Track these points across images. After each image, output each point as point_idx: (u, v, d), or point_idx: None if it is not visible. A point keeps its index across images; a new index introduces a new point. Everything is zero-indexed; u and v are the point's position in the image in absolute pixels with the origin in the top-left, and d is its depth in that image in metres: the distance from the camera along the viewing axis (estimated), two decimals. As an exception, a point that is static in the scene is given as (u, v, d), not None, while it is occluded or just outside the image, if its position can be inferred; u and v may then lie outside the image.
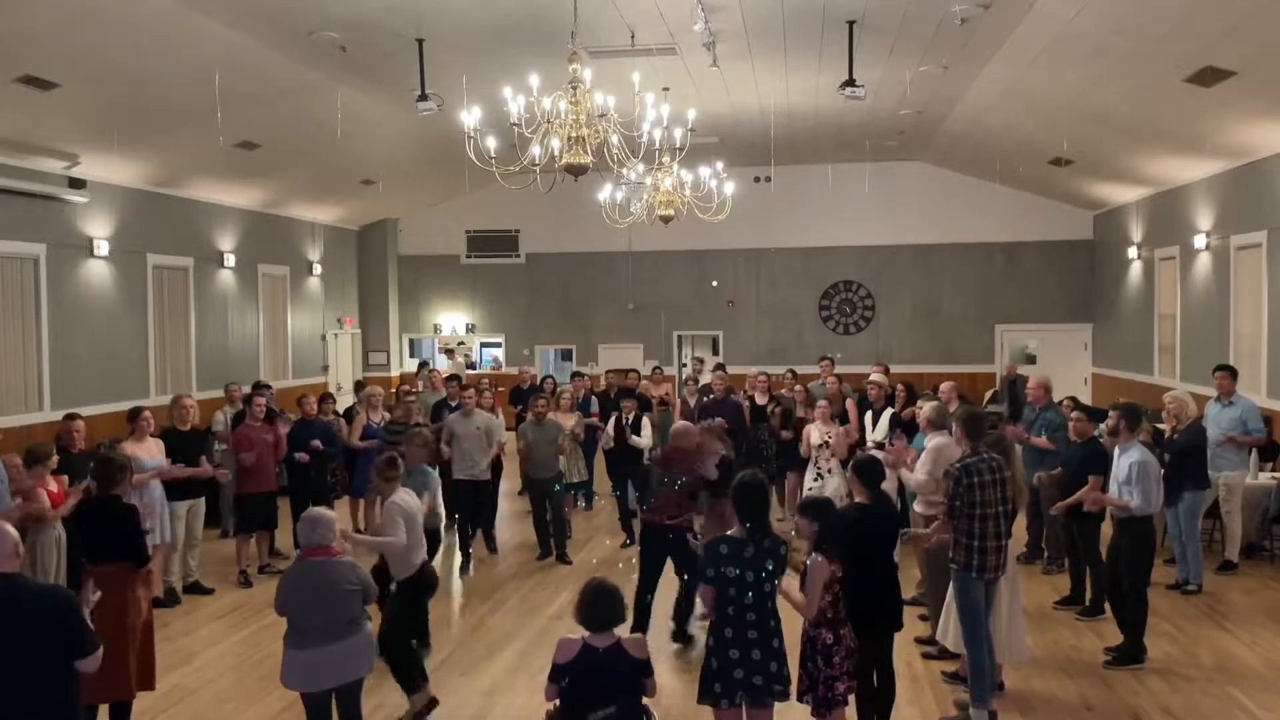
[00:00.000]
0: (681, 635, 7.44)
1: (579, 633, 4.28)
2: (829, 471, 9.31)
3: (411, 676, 6.08)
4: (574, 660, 4.19)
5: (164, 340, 13.32)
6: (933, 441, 7.17)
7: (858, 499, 5.65)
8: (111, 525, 5.67)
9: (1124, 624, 6.95)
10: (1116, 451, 6.99)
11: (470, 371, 17.92)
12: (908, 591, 7.68)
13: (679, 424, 8.23)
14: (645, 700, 4.36)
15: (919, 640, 7.18)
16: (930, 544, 6.48)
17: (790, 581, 4.97)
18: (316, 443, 9.69)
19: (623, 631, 4.32)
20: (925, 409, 7.74)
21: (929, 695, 6.40)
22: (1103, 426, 7.92)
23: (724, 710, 4.69)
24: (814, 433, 9.55)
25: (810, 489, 9.23)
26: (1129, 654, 6.82)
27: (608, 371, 14.26)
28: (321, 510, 5.29)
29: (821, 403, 9.82)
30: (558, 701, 4.28)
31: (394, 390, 13.33)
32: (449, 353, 18.94)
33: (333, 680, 5.03)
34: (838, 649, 4.97)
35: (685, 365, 17.85)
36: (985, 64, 10.72)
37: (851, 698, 5.19)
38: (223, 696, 6.58)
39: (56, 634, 3.94)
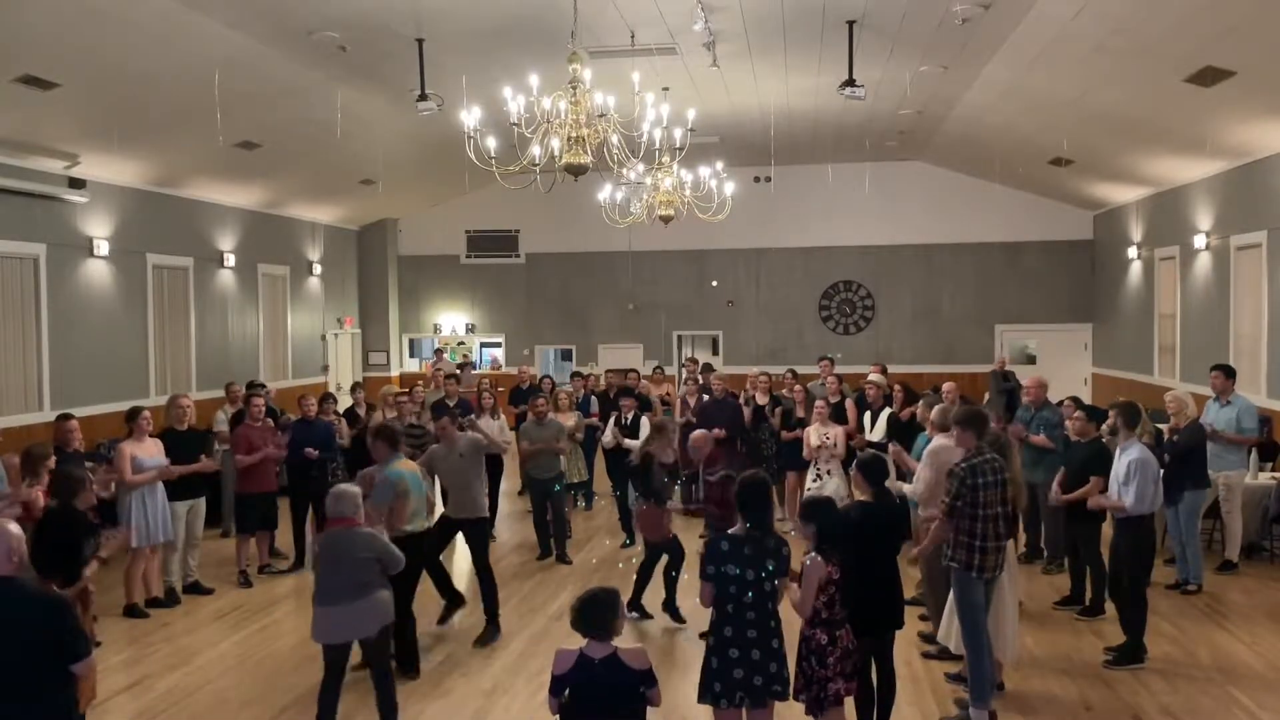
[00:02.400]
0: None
1: (576, 641, 4.25)
2: (828, 473, 9.31)
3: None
4: (571, 671, 4.13)
5: (164, 340, 13.32)
6: (933, 444, 7.12)
7: (862, 496, 5.66)
8: (57, 537, 5.56)
9: (1125, 623, 6.96)
10: (1118, 451, 7.00)
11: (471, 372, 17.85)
12: (908, 591, 7.68)
13: (696, 434, 8.36)
14: (649, 709, 4.30)
15: (923, 635, 7.18)
16: (927, 551, 6.50)
17: (786, 583, 4.96)
18: (311, 451, 9.60)
19: (621, 642, 4.27)
20: (935, 411, 7.67)
21: (929, 695, 6.40)
22: (1105, 426, 7.92)
23: (724, 710, 4.68)
24: (813, 434, 9.54)
25: (809, 489, 9.23)
26: (1130, 654, 6.82)
27: (607, 371, 14.25)
28: (347, 486, 5.87)
29: (820, 403, 9.81)
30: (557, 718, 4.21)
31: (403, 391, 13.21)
32: (438, 353, 18.78)
33: (347, 635, 5.64)
34: (832, 650, 4.96)
35: (684, 367, 17.82)
36: (985, 64, 10.72)
37: (850, 698, 5.19)
38: (222, 696, 6.58)
39: (53, 638, 3.93)
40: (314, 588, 5.73)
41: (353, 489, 5.83)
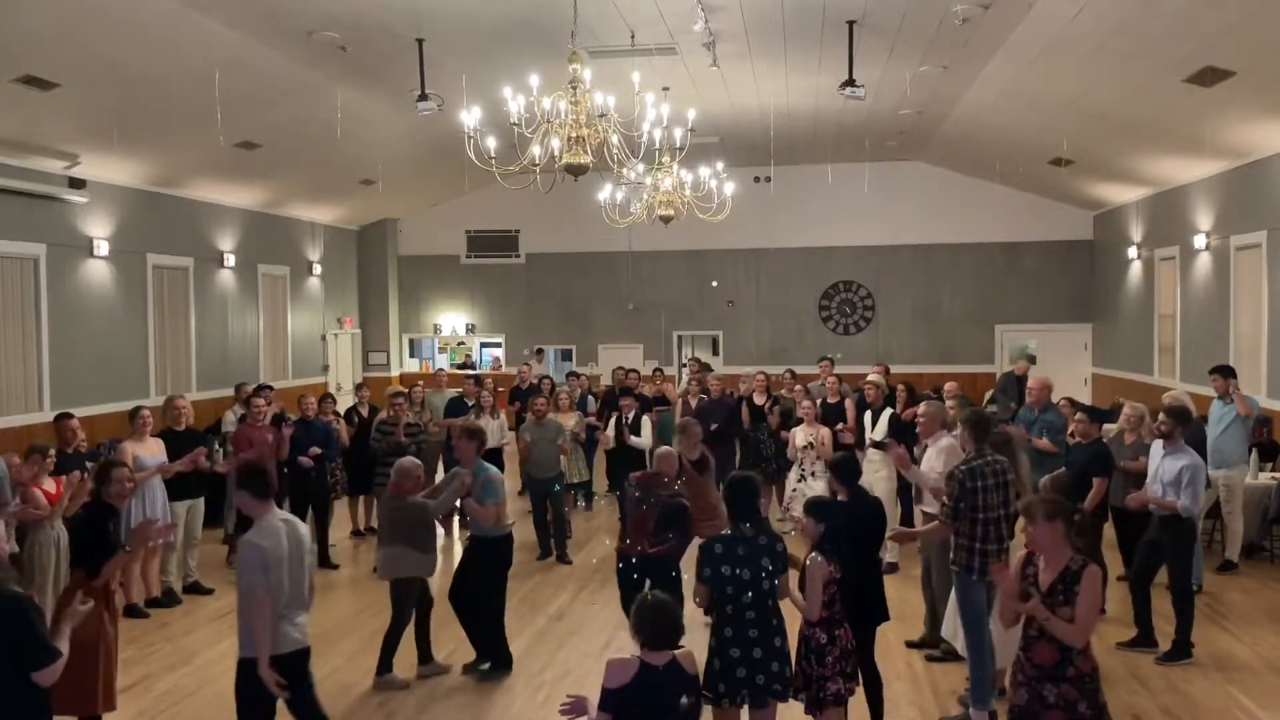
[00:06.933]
0: None
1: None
2: (813, 474, 9.22)
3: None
4: (632, 682, 3.95)
5: (164, 340, 13.31)
6: (942, 442, 6.96)
7: (840, 496, 5.70)
8: (86, 531, 5.61)
9: (1138, 617, 7.12)
10: (1160, 451, 7.08)
11: (472, 372, 17.82)
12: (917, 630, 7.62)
13: (682, 419, 8.17)
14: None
15: (910, 644, 7.18)
16: (913, 540, 6.52)
17: (786, 580, 4.96)
18: (314, 451, 9.61)
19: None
20: (923, 409, 7.43)
21: (929, 695, 6.40)
22: (1110, 427, 7.93)
23: (725, 710, 4.68)
24: (799, 434, 9.50)
25: (794, 489, 9.18)
26: (1179, 649, 6.88)
27: (615, 370, 14.20)
28: (408, 460, 6.99)
29: (806, 403, 9.75)
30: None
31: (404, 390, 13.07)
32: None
33: (393, 572, 6.70)
34: (831, 649, 4.96)
35: (684, 366, 17.82)
36: (985, 64, 10.72)
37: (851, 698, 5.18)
38: (223, 696, 6.55)
39: (8, 643, 3.74)
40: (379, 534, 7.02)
41: (416, 464, 6.93)
